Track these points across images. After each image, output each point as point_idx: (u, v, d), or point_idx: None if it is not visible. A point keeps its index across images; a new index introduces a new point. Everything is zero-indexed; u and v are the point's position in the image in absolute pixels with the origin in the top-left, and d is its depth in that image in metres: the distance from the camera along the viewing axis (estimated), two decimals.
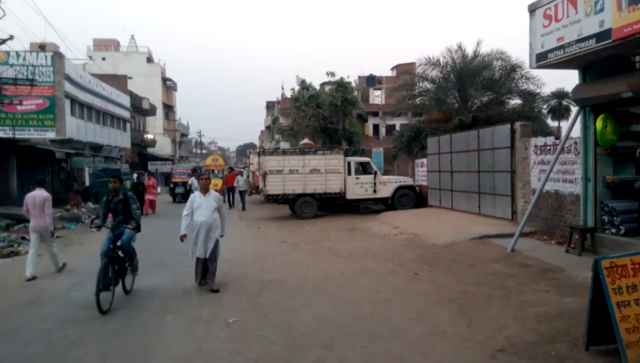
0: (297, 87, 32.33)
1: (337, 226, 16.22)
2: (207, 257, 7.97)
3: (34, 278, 9.14)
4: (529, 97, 21.35)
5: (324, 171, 18.89)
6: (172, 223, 17.95)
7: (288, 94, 39.41)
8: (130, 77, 45.91)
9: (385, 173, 24.69)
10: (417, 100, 23.81)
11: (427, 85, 22.76)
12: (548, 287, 7.41)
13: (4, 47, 18.17)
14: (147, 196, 21.89)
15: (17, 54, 25.05)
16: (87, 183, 28.98)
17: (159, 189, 29.12)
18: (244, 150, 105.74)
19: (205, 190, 8.18)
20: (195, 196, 8.16)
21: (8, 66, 23.08)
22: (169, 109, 63.26)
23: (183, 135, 73.59)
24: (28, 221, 9.89)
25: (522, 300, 6.88)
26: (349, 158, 19.46)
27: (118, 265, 7.54)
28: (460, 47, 21.60)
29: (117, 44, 59.48)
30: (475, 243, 11.36)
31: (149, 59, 59.48)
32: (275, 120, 52.19)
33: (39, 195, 9.59)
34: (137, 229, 7.90)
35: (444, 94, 22.32)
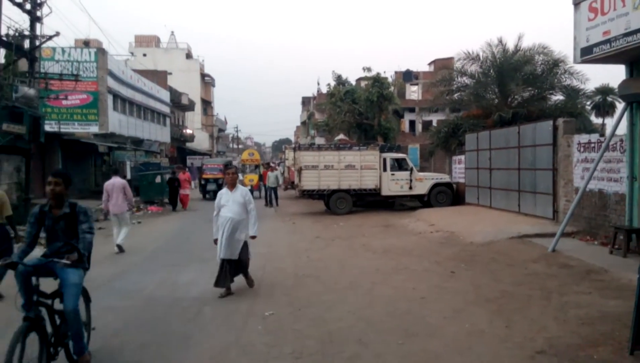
0: (333, 83, 32.29)
1: (372, 223, 16.16)
2: (236, 259, 7.45)
3: (121, 250, 11.09)
4: (572, 93, 20.68)
5: (359, 167, 18.83)
6: (206, 217, 18.39)
7: (324, 90, 39.45)
8: (170, 73, 46.87)
9: (421, 169, 24.41)
10: (455, 95, 23.42)
11: (466, 80, 22.35)
12: (590, 289, 7.19)
13: (50, 44, 18.85)
14: (181, 191, 21.50)
15: (63, 50, 25.97)
16: (129, 176, 29.83)
17: (192, 185, 29.20)
18: (280, 145, 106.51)
19: (232, 186, 7.51)
20: (222, 193, 7.58)
21: (54, 62, 23.95)
22: (207, 104, 64.31)
23: (220, 130, 74.71)
24: None
25: (563, 301, 6.70)
26: (385, 154, 19.33)
27: (53, 330, 4.50)
28: (500, 41, 21.11)
29: (158, 41, 60.80)
30: (515, 242, 11.11)
31: (188, 55, 60.60)
32: (310, 116, 52.32)
33: (117, 182, 11.66)
34: (82, 264, 4.62)
35: (483, 90, 21.87)
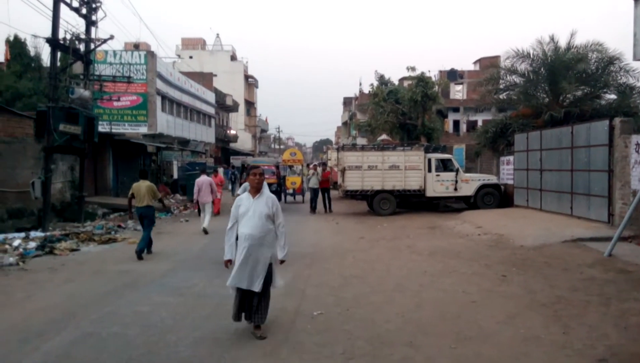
0: (375, 83, 32.04)
1: (417, 224, 15.95)
2: (257, 290, 5.55)
3: (206, 232, 13.70)
4: (628, 91, 19.78)
5: (403, 168, 18.64)
6: None
7: (366, 90, 39.27)
8: (215, 75, 47.78)
9: (467, 170, 23.90)
10: (503, 95, 22.82)
11: (515, 79, 21.73)
12: None
13: (103, 47, 19.51)
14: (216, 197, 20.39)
15: (115, 53, 26.90)
16: (176, 176, 30.60)
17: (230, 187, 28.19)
18: (320, 146, 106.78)
19: (256, 191, 5.69)
20: (242, 199, 5.73)
21: (107, 65, 24.83)
22: (250, 105, 65.19)
23: (263, 131, 75.60)
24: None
25: (623, 308, 6.41)
26: (430, 155, 19.05)
27: None
28: (552, 38, 20.41)
29: (204, 43, 62.12)
30: (568, 246, 10.72)
31: (233, 57, 61.62)
32: (352, 116, 52.20)
33: (205, 179, 14.65)
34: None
35: (533, 88, 21.22)
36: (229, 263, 5.77)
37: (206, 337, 5.59)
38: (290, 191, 24.60)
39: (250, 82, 65.79)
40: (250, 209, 5.62)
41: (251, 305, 5.64)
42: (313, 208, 20.31)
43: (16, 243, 11.59)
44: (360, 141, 40.89)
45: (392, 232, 14.36)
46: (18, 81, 24.74)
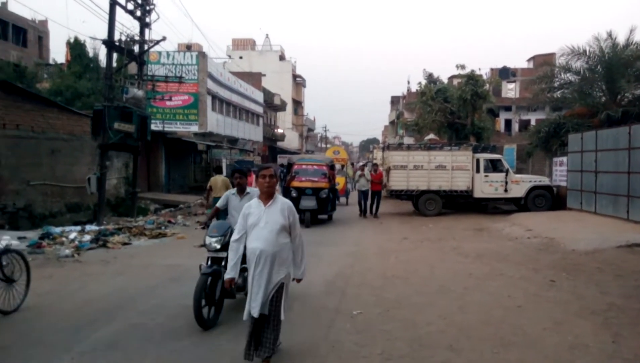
0: (423, 81, 31.59)
1: (463, 226, 15.62)
2: (266, 313, 4.60)
3: None
4: None
5: (450, 168, 18.29)
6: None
7: (414, 89, 38.80)
8: (264, 75, 48.47)
9: (518, 171, 23.20)
10: (557, 93, 22.01)
11: (570, 77, 20.92)
12: None
13: (156, 48, 20.19)
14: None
15: (167, 54, 27.78)
16: (224, 174, 31.25)
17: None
18: (367, 145, 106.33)
19: (267, 196, 4.71)
20: (251, 207, 4.75)
21: (160, 65, 25.67)
22: (297, 104, 65.76)
23: (310, 130, 76.08)
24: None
25: None
26: (478, 155, 18.61)
27: None
28: (610, 35, 19.50)
29: (253, 43, 63.17)
30: (623, 251, 10.22)
31: (281, 57, 62.35)
32: (399, 115, 51.68)
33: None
34: None
35: (589, 87, 20.36)
36: (231, 282, 4.84)
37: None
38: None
39: (298, 82, 66.36)
40: (262, 219, 4.62)
41: (260, 334, 4.68)
42: (362, 212, 18.28)
43: (72, 236, 12.20)
44: (408, 140, 40.42)
45: (437, 233, 14.13)
46: (77, 81, 25.99)
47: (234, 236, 4.84)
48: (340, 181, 22.09)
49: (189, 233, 13.77)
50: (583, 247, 10.73)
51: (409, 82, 52.74)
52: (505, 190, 18.26)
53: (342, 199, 22.80)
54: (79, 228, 13.46)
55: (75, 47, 27.87)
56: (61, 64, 30.81)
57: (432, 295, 7.40)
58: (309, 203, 15.19)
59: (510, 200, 18.75)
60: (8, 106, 13.95)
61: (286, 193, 15.43)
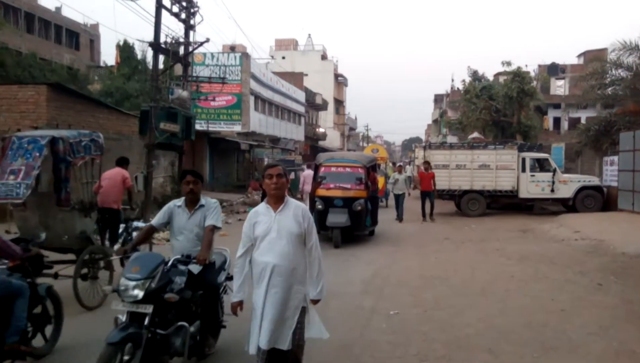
0: (468, 79, 31.06)
1: (508, 227, 15.23)
2: (285, 348, 3.72)
3: None
4: None
5: (494, 167, 17.85)
6: None
7: (458, 86, 38.11)
8: (306, 74, 48.74)
9: (566, 171, 22.41)
10: (608, 90, 21.09)
11: (621, 73, 20.01)
12: None
13: (200, 49, 20.65)
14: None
15: (212, 55, 28.38)
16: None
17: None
18: (410, 144, 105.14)
19: (276, 199, 3.85)
20: (258, 214, 3.89)
21: (204, 66, 26.25)
22: (339, 103, 65.78)
23: (351, 129, 75.95)
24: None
25: None
26: (524, 154, 18.08)
27: None
28: None
29: (296, 43, 63.63)
30: None
31: (323, 57, 62.53)
32: (443, 113, 50.90)
33: (308, 173, 17.26)
34: None
35: None
36: (238, 306, 3.84)
37: None
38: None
39: (339, 81, 66.37)
40: (272, 228, 3.75)
41: None
42: (399, 216, 16.76)
43: (120, 231, 12.60)
44: (451, 139, 39.78)
45: (480, 234, 13.84)
46: (126, 83, 26.94)
47: (239, 251, 3.82)
48: (379, 181, 20.74)
49: (230, 230, 14.03)
50: (634, 250, 10.26)
51: (452, 80, 51.91)
52: (553, 190, 17.66)
53: (382, 202, 20.75)
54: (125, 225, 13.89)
55: (125, 50, 28.91)
56: (111, 66, 32.00)
57: (472, 296, 7.26)
58: (338, 218, 11.32)
59: (558, 201, 18.13)
60: (61, 106, 14.59)
61: (311, 205, 11.98)
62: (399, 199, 16.91)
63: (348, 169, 12.46)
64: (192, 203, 4.68)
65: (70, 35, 37.78)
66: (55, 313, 4.99)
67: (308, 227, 3.84)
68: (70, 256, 6.71)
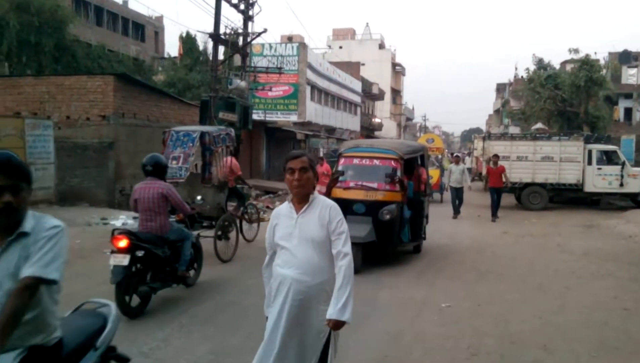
0: (532, 67, 29.83)
1: (571, 221, 14.60)
2: None
3: None
4: None
5: (558, 159, 17.12)
6: None
7: (521, 75, 36.68)
8: (363, 64, 48.45)
9: (637, 164, 21.15)
10: None
11: None
12: None
13: (258, 40, 20.97)
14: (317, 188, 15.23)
15: (270, 45, 28.76)
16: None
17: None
18: (469, 135, 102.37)
19: (300, 198, 3.15)
20: (280, 215, 3.24)
21: (262, 57, 26.66)
22: (396, 93, 64.96)
23: (408, 119, 74.88)
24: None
25: None
26: (590, 146, 17.22)
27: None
28: None
29: (353, 33, 63.28)
30: None
31: (381, 46, 61.86)
32: (505, 103, 49.18)
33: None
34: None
35: None
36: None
37: None
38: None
39: (397, 70, 65.50)
40: (294, 233, 3.07)
41: None
42: (455, 211, 15.33)
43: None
44: (513, 129, 38.44)
45: (541, 229, 13.36)
46: (188, 73, 27.83)
47: (265, 261, 3.31)
48: (434, 174, 18.43)
49: None
50: None
51: (516, 68, 49.89)
52: (621, 184, 16.74)
53: (436, 195, 19.25)
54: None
55: (187, 42, 29.82)
56: (174, 57, 33.13)
57: (528, 292, 7.05)
58: (358, 230, 7.54)
59: (627, 196, 17.19)
60: (127, 96, 15.28)
61: None
62: (456, 193, 15.34)
63: (377, 162, 8.88)
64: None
65: (137, 28, 39.33)
66: (198, 257, 6.91)
67: (336, 229, 3.02)
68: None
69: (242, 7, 17.22)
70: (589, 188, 17.06)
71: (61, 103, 14.71)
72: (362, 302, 6.35)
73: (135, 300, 5.70)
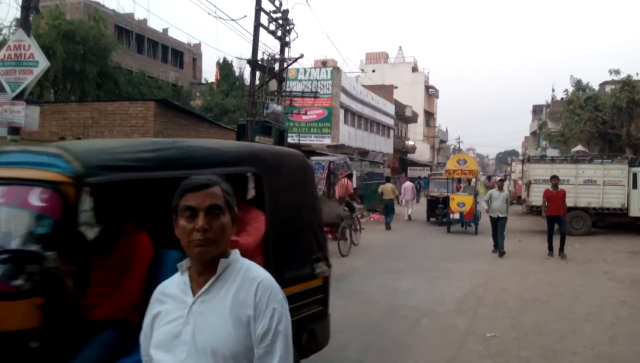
0: (570, 88, 29.24)
1: (617, 247, 14.05)
2: None
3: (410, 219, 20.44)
4: None
5: (601, 183, 16.59)
6: (412, 232, 18.25)
7: (559, 97, 36.02)
8: (396, 87, 48.51)
9: None
10: None
11: None
12: None
13: (294, 65, 21.29)
14: None
15: (304, 70, 29.16)
16: (355, 185, 31.78)
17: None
18: (504, 157, 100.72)
19: (204, 267, 1.61)
20: (166, 291, 1.67)
21: (297, 81, 27.03)
22: (429, 116, 64.63)
23: (442, 141, 74.24)
24: None
25: None
26: (635, 169, 16.62)
27: None
28: None
29: (386, 57, 63.61)
30: None
31: (414, 69, 61.91)
32: (542, 125, 48.26)
33: (408, 184, 21.60)
34: None
35: None
36: None
37: (375, 344, 5.72)
38: (457, 215, 16.54)
39: (430, 93, 65.28)
40: (183, 335, 1.58)
41: None
42: (498, 248, 12.60)
43: None
44: (551, 152, 37.55)
45: (585, 254, 12.89)
46: (225, 98, 28.42)
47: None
48: (466, 201, 16.41)
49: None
50: None
51: (553, 90, 49.28)
52: None
53: (471, 227, 17.12)
54: None
55: (224, 67, 30.56)
56: (211, 83, 33.93)
57: (576, 322, 6.78)
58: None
59: None
60: (167, 121, 15.68)
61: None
62: (497, 224, 12.69)
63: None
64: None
65: (175, 55, 40.55)
66: None
67: (266, 333, 1.57)
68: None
69: (279, 33, 17.55)
70: (634, 212, 16.42)
71: (104, 128, 15.20)
72: (402, 330, 6.25)
73: None
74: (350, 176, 14.35)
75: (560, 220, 12.34)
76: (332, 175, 13.07)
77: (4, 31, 20.07)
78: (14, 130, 7.10)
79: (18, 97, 7.06)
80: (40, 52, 7.14)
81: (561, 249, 12.28)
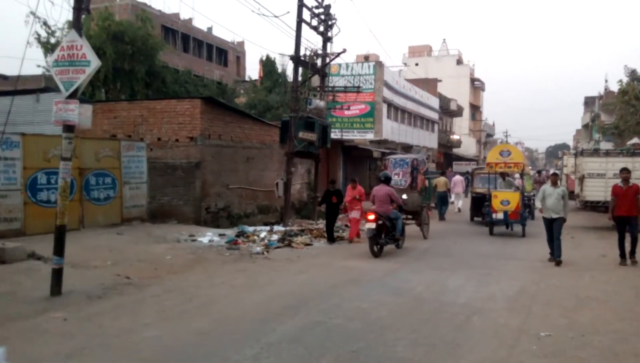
0: (625, 79, 27.84)
1: None
2: None
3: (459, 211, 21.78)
4: None
5: None
6: (461, 231, 17.82)
7: (613, 88, 34.41)
8: (440, 80, 47.61)
9: None
10: None
11: None
12: None
13: (336, 60, 21.19)
14: (349, 215, 13.89)
15: (347, 65, 29.00)
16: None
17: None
18: (555, 151, 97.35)
19: None
20: None
21: (339, 77, 26.91)
22: (475, 109, 63.17)
23: (488, 135, 72.44)
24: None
25: None
26: None
27: None
28: None
29: (430, 50, 62.56)
30: None
31: (459, 61, 60.61)
32: (595, 117, 46.24)
33: (457, 178, 22.95)
34: None
35: None
36: None
37: (423, 342, 5.59)
38: (500, 215, 14.75)
39: (476, 86, 63.77)
40: None
41: None
42: (555, 254, 10.57)
43: (262, 235, 13.41)
44: (605, 145, 35.95)
45: None
46: (268, 95, 28.67)
47: None
48: (511, 198, 14.71)
49: (363, 236, 14.09)
50: None
51: (606, 81, 46.68)
52: None
53: (517, 227, 15.37)
54: (268, 228, 14.74)
55: (267, 65, 30.81)
56: (255, 80, 34.29)
57: (637, 322, 6.42)
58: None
59: None
60: (212, 119, 15.93)
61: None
62: (552, 226, 10.68)
63: None
64: None
65: (220, 53, 41.22)
66: (403, 230, 12.02)
67: None
68: None
69: (321, 29, 17.50)
70: None
71: (153, 126, 15.60)
72: (451, 328, 6.10)
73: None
74: (426, 172, 16.62)
75: (631, 222, 10.49)
76: (415, 170, 14.80)
77: (57, 33, 20.89)
78: (69, 128, 7.34)
79: (71, 96, 7.29)
80: (92, 51, 7.33)
81: (632, 253, 10.56)
